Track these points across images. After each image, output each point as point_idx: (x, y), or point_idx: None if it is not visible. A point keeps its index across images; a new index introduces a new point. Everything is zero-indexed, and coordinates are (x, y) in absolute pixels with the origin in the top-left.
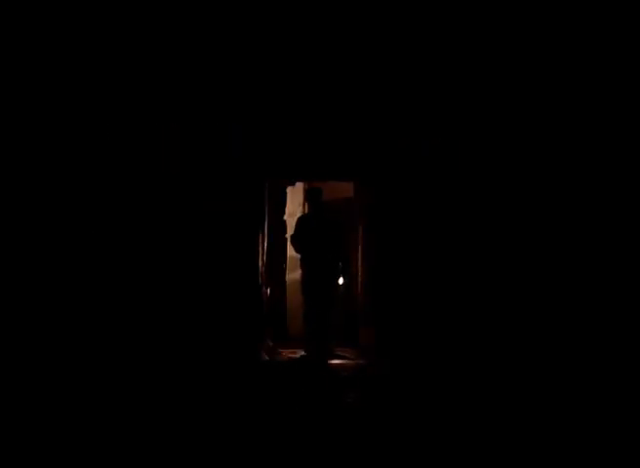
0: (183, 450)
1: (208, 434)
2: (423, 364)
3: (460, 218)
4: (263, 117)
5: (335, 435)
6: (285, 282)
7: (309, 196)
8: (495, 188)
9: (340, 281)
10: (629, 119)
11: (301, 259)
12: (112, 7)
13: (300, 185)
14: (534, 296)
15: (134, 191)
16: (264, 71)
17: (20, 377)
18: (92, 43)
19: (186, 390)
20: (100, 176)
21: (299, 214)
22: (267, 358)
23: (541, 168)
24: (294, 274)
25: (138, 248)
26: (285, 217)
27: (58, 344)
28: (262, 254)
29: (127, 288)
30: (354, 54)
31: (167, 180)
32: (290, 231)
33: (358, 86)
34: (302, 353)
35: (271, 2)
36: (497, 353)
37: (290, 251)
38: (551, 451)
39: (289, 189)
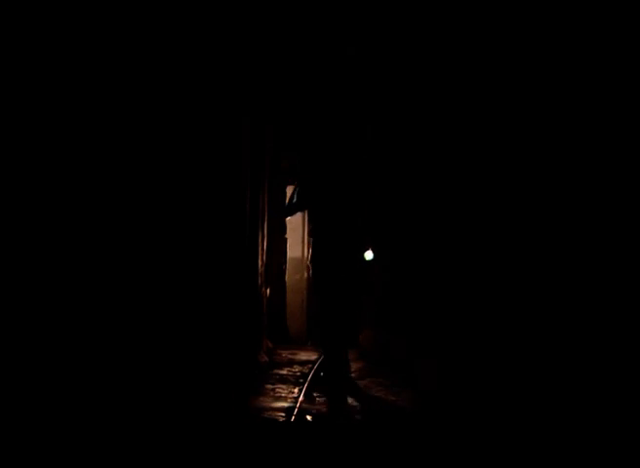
0: (179, 451)
1: (201, 436)
2: (424, 366)
3: (460, 218)
4: (263, 117)
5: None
6: (285, 282)
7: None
8: (495, 188)
9: (369, 255)
10: (629, 119)
11: (311, 233)
12: (112, 7)
13: None
14: (535, 296)
15: (132, 191)
16: (264, 72)
17: (20, 376)
18: (93, 42)
19: (182, 391)
20: (99, 176)
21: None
22: (267, 359)
23: (542, 167)
24: (294, 275)
25: (136, 247)
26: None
27: (54, 346)
28: (262, 254)
29: (124, 285)
30: (354, 54)
31: (166, 180)
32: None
33: (358, 87)
34: (321, 373)
35: (274, 3)
36: (499, 355)
37: (290, 251)
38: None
39: (289, 189)
